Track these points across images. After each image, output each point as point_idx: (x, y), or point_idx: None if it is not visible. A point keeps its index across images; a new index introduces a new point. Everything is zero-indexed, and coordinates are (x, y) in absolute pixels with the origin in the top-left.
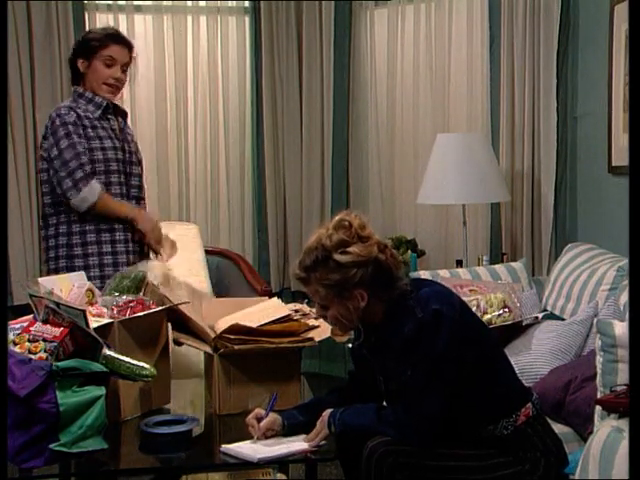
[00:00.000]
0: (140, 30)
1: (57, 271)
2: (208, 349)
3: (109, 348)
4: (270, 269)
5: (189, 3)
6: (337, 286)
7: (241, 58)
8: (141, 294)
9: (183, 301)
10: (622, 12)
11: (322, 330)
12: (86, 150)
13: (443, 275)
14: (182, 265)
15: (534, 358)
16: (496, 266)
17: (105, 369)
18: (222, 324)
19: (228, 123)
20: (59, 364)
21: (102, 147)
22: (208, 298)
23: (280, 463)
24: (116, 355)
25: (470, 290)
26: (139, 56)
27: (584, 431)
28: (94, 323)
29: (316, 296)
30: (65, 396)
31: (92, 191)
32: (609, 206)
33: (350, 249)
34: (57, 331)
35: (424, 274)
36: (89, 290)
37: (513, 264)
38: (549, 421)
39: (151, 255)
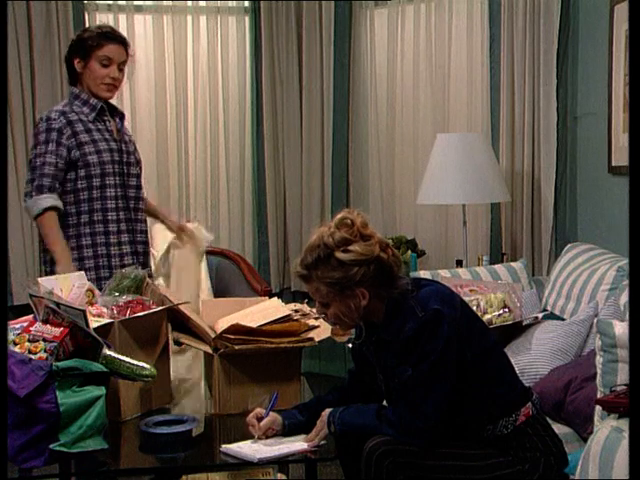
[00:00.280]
0: (140, 30)
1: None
2: (208, 349)
3: (109, 348)
4: (270, 269)
5: (189, 3)
6: (338, 284)
7: (241, 58)
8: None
9: (183, 301)
10: (622, 12)
11: (322, 330)
12: (58, 162)
13: (443, 275)
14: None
15: (534, 358)
16: (496, 266)
17: (105, 369)
18: (222, 324)
19: (228, 123)
20: (59, 364)
21: (97, 150)
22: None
23: (280, 463)
24: (116, 355)
25: (470, 290)
26: (139, 56)
27: (584, 431)
28: (94, 323)
29: (317, 294)
30: (65, 396)
31: (37, 205)
32: (609, 206)
33: (352, 247)
34: (57, 331)
35: (424, 274)
36: (89, 290)
37: (513, 264)
38: (549, 421)
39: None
